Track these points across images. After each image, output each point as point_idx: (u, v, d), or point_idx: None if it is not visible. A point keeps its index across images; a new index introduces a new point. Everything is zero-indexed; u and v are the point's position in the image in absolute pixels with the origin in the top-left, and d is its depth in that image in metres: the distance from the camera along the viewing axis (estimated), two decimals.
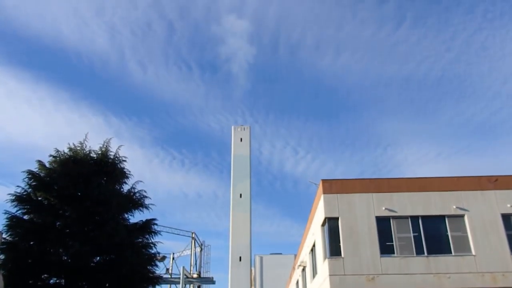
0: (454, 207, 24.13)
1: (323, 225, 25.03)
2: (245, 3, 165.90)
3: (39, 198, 18.04)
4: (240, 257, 78.78)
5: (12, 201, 17.44)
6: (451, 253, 23.11)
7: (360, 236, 23.48)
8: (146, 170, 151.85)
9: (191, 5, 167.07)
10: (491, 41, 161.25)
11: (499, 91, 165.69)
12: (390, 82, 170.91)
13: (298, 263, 36.10)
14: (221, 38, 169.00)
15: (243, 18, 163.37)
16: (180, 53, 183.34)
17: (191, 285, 70.80)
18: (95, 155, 19.56)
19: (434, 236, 23.59)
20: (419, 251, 23.12)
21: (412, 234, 23.52)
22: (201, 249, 78.13)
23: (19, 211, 17.57)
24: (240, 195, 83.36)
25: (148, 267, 18.90)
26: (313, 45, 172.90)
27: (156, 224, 19.64)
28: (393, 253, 23.12)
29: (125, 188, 19.89)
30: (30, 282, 16.71)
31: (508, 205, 23.96)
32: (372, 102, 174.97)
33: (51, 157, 18.83)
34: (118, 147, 20.07)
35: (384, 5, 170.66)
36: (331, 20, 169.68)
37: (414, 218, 23.88)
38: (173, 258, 74.63)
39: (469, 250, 23.20)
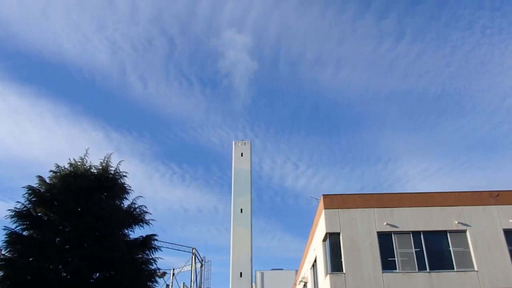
0: (456, 222, 24.01)
1: (324, 240, 24.88)
2: (245, 17, 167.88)
3: (39, 214, 17.90)
4: (241, 273, 78.31)
5: (12, 217, 17.26)
6: (453, 268, 22.94)
7: (362, 251, 23.32)
8: (146, 185, 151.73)
9: (192, 20, 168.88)
10: (490, 56, 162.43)
11: (499, 106, 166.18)
12: (390, 97, 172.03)
13: (300, 279, 35.82)
14: (221, 53, 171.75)
15: (243, 33, 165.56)
16: (180, 68, 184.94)
17: None
18: (95, 171, 19.44)
19: (436, 251, 23.43)
20: (421, 267, 22.95)
21: (414, 250, 23.37)
22: (202, 265, 77.57)
23: (19, 227, 17.34)
24: (241, 210, 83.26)
25: (148, 283, 18.69)
26: (314, 60, 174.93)
27: (156, 240, 19.48)
28: (395, 268, 22.95)
29: (126, 203, 19.74)
30: None
31: (510, 220, 23.83)
32: (372, 117, 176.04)
33: (51, 173, 18.73)
34: (119, 162, 19.95)
35: (383, 21, 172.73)
36: (332, 35, 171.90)
37: (416, 234, 23.74)
38: (173, 274, 74.05)
39: (472, 265, 23.03)
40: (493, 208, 24.34)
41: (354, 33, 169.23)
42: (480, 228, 23.87)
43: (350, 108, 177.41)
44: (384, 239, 23.70)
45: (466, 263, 23.13)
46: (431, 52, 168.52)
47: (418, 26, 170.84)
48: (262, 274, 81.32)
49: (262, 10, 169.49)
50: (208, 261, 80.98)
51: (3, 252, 17.11)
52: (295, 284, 43.22)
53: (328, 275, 23.33)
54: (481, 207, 24.44)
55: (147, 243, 19.12)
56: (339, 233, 23.93)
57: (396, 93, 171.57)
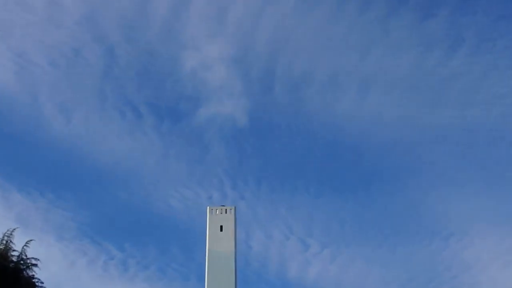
0: None
1: None
2: (224, 18, 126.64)
3: None
4: None
5: None
6: None
7: None
8: (66, 276, 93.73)
9: (145, 22, 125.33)
10: None
11: None
12: (445, 135, 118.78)
13: None
14: (190, 71, 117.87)
15: (222, 42, 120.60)
16: (123, 92, 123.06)
17: None
18: None
19: None
20: None
21: None
22: None
23: None
24: None
25: None
26: (325, 80, 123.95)
27: None
28: None
29: None
30: None
31: None
32: (420, 166, 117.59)
33: None
34: (26, 242, 17.23)
35: (429, 20, 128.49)
36: (352, 46, 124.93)
37: None
38: None
39: None
40: None
41: (386, 37, 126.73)
42: None
43: (385, 152, 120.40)
44: None
45: None
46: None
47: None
48: None
49: (249, 9, 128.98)
50: None
51: None
52: None
53: None
54: None
55: None
56: None
57: (454, 128, 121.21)
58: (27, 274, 18.09)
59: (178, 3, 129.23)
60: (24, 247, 18.42)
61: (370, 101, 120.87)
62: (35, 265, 18.35)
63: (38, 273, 18.14)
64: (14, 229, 18.64)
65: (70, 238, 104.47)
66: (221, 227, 65.51)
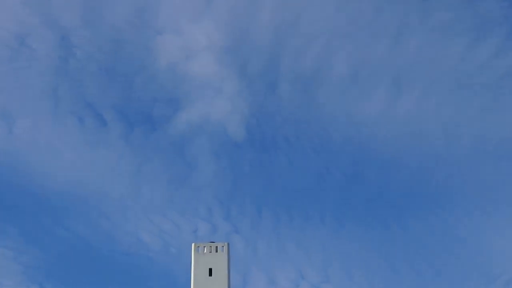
0: None
1: None
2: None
3: None
4: None
5: None
6: None
7: None
8: None
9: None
10: None
11: None
12: (503, 149, 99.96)
13: None
14: (167, 64, 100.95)
15: (210, 26, 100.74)
16: (82, 93, 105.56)
17: None
18: None
19: None
20: None
21: None
22: None
23: None
24: None
25: None
26: (345, 76, 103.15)
27: None
28: None
29: None
30: None
31: None
32: (469, 188, 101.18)
33: None
34: None
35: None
36: (381, 31, 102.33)
37: None
38: None
39: None
40: None
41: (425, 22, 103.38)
42: None
43: (427, 168, 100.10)
44: None
45: None
46: None
47: None
48: None
49: None
50: None
51: None
52: None
53: None
54: None
55: None
56: None
57: None
58: None
59: None
60: None
61: (404, 104, 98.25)
62: None
63: None
64: None
65: (13, 285, 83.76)
66: (210, 270, 55.33)
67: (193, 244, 56.88)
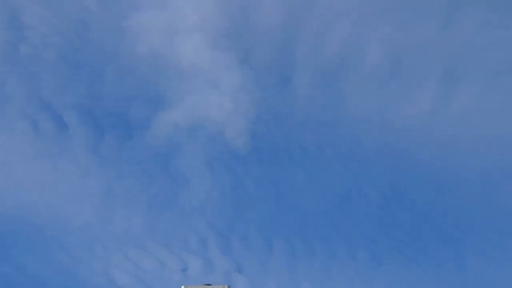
0: None
1: None
2: None
3: None
4: None
5: None
6: None
7: None
8: None
9: None
10: None
11: None
12: None
13: None
14: (146, 50, 77.58)
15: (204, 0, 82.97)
16: (36, 89, 79.62)
17: None
18: None
19: None
20: None
21: None
22: None
23: None
24: None
25: None
26: (381, 65, 79.84)
27: None
28: None
29: None
30: None
31: None
32: None
33: None
34: None
35: None
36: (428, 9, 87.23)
37: None
38: None
39: None
40: None
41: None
42: None
43: (489, 187, 74.38)
44: None
45: None
46: None
47: None
48: None
49: None
50: None
51: None
52: None
53: None
54: None
55: None
56: None
57: None
58: None
59: None
60: None
61: (459, 102, 73.07)
62: None
63: None
64: None
65: None
66: None
67: (182, 287, 45.14)
